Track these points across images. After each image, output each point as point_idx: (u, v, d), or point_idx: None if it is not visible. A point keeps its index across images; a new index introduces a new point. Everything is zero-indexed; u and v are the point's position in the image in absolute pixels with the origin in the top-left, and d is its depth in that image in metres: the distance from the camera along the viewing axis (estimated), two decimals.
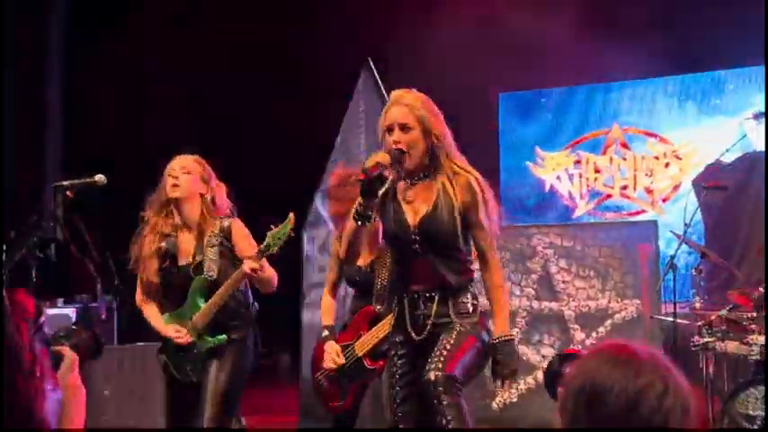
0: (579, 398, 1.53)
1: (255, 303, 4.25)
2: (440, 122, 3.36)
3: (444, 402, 3.10)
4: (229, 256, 4.10)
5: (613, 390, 1.49)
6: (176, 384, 4.14)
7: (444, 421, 3.10)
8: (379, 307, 4.27)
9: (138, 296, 4.22)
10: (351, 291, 4.70)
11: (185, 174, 4.08)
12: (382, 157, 3.23)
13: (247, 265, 3.95)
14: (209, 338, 4.05)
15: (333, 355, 4.27)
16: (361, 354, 4.28)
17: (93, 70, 8.49)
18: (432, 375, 3.13)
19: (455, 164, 3.36)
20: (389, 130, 3.33)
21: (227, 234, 4.09)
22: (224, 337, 4.04)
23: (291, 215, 4.02)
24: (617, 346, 1.59)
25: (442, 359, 3.17)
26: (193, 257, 4.09)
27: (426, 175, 3.35)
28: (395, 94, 3.42)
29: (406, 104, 3.33)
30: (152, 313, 4.18)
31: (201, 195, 4.10)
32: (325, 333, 4.37)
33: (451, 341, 3.24)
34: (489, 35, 8.42)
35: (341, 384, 4.33)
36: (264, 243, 3.99)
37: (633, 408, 1.48)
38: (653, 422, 1.48)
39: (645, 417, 1.48)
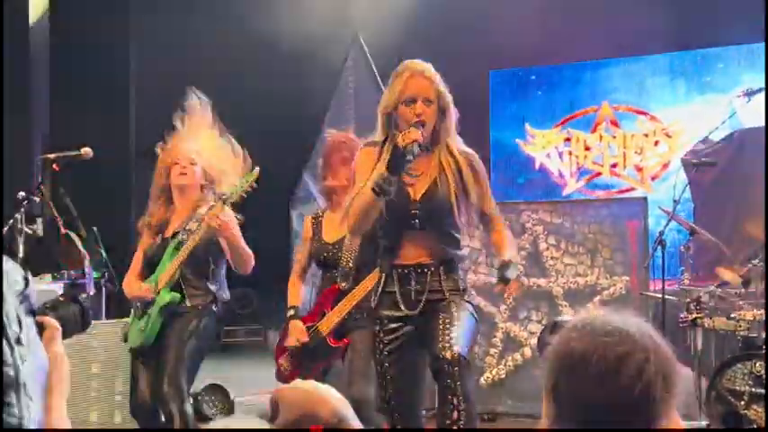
0: (560, 365, 1.52)
1: (226, 292, 4.33)
2: (450, 99, 3.37)
3: (458, 382, 3.08)
4: (210, 233, 4.14)
5: (593, 357, 1.48)
6: (139, 356, 4.26)
7: (456, 401, 3.08)
8: (344, 284, 4.24)
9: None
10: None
11: (191, 165, 4.26)
12: (416, 134, 3.15)
13: (209, 213, 4.03)
14: (166, 294, 4.12)
15: (296, 334, 4.26)
16: (325, 332, 4.26)
17: (79, 41, 8.41)
18: (448, 354, 3.11)
19: (452, 142, 3.37)
20: (410, 101, 3.27)
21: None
22: (179, 295, 4.13)
23: (257, 169, 4.09)
24: (601, 315, 1.59)
25: (452, 336, 3.16)
26: (175, 230, 4.25)
27: (427, 148, 3.32)
28: (414, 65, 3.34)
29: (429, 78, 3.30)
30: (128, 280, 4.35)
31: (202, 187, 4.29)
32: (290, 312, 4.35)
33: (454, 319, 3.23)
34: (478, 12, 8.37)
35: (304, 366, 4.31)
36: (229, 192, 4.07)
37: (613, 376, 1.47)
38: (633, 391, 1.46)
39: (625, 385, 1.46)
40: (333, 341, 4.26)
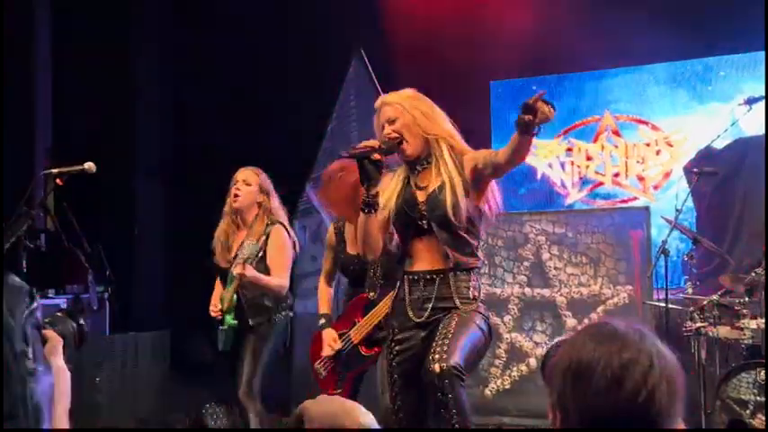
0: (565, 374, 1.52)
1: (289, 295, 4.78)
2: (426, 106, 3.44)
3: (449, 395, 3.07)
4: (263, 259, 4.60)
5: (598, 365, 1.48)
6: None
7: (448, 415, 3.08)
8: (372, 294, 4.29)
9: None
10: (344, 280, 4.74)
11: (246, 186, 4.72)
12: (372, 141, 3.32)
13: (236, 268, 4.48)
14: (229, 317, 4.57)
15: (330, 341, 4.34)
16: (356, 341, 4.32)
17: (82, 54, 8.43)
18: (436, 367, 3.09)
19: (446, 147, 3.40)
20: (382, 131, 3.43)
21: (264, 240, 4.62)
22: (236, 322, 4.56)
23: (260, 242, 4.55)
24: (603, 324, 1.59)
25: (445, 348, 3.13)
26: (236, 253, 4.65)
27: (428, 161, 3.41)
28: (378, 102, 3.51)
29: (388, 103, 3.44)
30: (216, 288, 4.84)
31: (259, 204, 4.72)
32: (322, 321, 4.47)
33: (453, 328, 3.21)
34: (480, 22, 8.40)
35: (338, 373, 4.37)
36: (245, 256, 4.50)
37: (618, 383, 1.47)
38: (638, 398, 1.46)
39: (630, 392, 1.47)
40: (365, 350, 4.33)
